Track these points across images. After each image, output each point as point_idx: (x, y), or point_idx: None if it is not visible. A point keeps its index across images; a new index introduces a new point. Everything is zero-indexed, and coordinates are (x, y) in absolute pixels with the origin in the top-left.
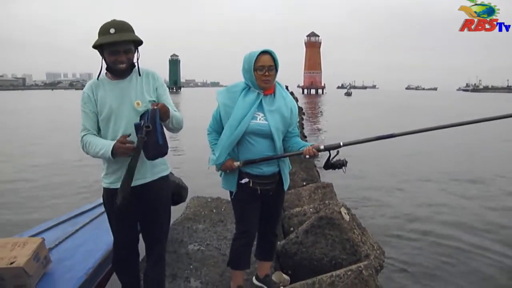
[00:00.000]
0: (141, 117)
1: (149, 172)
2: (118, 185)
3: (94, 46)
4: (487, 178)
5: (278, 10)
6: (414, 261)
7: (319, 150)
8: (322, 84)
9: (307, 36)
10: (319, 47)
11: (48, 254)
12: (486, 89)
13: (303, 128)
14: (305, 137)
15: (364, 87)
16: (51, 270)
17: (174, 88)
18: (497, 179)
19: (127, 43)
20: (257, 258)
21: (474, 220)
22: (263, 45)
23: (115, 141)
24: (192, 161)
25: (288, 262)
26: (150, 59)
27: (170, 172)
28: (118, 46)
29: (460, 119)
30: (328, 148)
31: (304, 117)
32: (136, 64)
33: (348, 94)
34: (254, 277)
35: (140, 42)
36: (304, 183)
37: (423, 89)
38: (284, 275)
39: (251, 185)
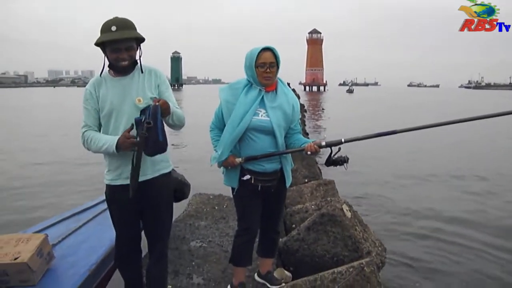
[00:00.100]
0: (142, 112)
1: (150, 169)
2: (120, 182)
3: (96, 44)
4: (490, 175)
5: (280, 7)
6: (416, 257)
7: (320, 147)
8: (324, 81)
9: (309, 33)
10: (321, 44)
11: (52, 250)
12: (488, 86)
13: (304, 125)
14: (307, 134)
15: (366, 84)
16: (54, 266)
17: (176, 85)
18: (500, 176)
19: (128, 40)
20: (259, 255)
21: (476, 217)
22: (265, 42)
23: (119, 136)
24: (194, 157)
25: (290, 259)
26: (152, 56)
27: (173, 169)
28: (119, 44)
29: (462, 115)
30: (329, 145)
31: (306, 114)
32: (138, 61)
33: (350, 91)
34: (256, 274)
35: (142, 40)
36: (306, 180)
37: (425, 86)
38: (286, 272)
39: (252, 182)
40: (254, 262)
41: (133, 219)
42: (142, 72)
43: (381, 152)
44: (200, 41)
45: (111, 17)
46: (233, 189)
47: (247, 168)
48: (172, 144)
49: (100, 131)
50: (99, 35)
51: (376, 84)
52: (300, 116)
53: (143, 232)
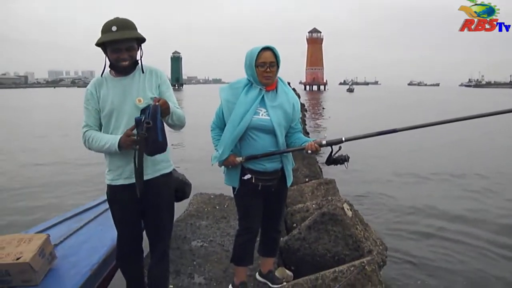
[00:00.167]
0: (142, 111)
1: (149, 169)
2: (121, 182)
3: (97, 44)
4: (490, 174)
5: (280, 7)
6: (417, 256)
7: (321, 146)
8: (324, 80)
9: (309, 32)
10: (321, 43)
11: (54, 250)
12: (488, 84)
13: (305, 124)
14: (307, 133)
15: (366, 83)
16: (56, 266)
17: (176, 85)
18: (500, 175)
19: (129, 40)
20: (260, 254)
21: (477, 215)
22: (265, 41)
23: (121, 135)
24: (195, 157)
25: (291, 258)
26: (152, 56)
27: (173, 169)
28: (120, 44)
29: (462, 114)
30: (330, 144)
31: (306, 113)
32: (139, 61)
33: (350, 90)
34: (257, 273)
35: (142, 40)
36: (307, 179)
37: (425, 84)
38: (287, 271)
39: (253, 181)
40: (256, 261)
41: (134, 219)
42: (143, 72)
43: (382, 151)
44: (200, 40)
45: (112, 18)
46: (234, 188)
47: (247, 167)
48: (173, 144)
49: (101, 131)
50: (99, 35)
51: (376, 83)
52: (300, 115)
53: (144, 232)
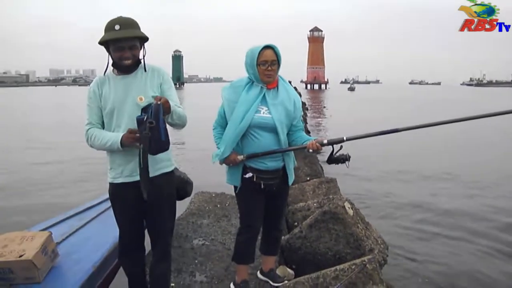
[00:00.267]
0: (143, 110)
1: (151, 167)
2: (122, 180)
3: (100, 43)
4: (493, 174)
5: (281, 5)
6: (418, 255)
7: (322, 145)
8: (326, 79)
9: (310, 31)
10: (322, 42)
11: (56, 248)
12: (490, 83)
13: (306, 123)
14: (309, 132)
15: (368, 82)
16: (59, 264)
17: (177, 84)
18: (502, 174)
19: (132, 39)
20: (262, 253)
21: (480, 214)
22: (266, 39)
23: (123, 133)
24: (196, 156)
25: (292, 256)
26: (153, 55)
27: (175, 168)
28: (123, 43)
29: (466, 114)
30: (331, 143)
31: (308, 112)
32: (142, 60)
33: (352, 89)
34: (258, 271)
35: (145, 39)
36: (308, 178)
37: (427, 83)
38: (289, 269)
39: (254, 179)
40: (257, 259)
41: (136, 217)
42: (145, 71)
43: (383, 150)
44: (202, 39)
45: (112, 16)
46: (235, 187)
47: (249, 166)
48: (174, 143)
49: (103, 128)
50: (100, 34)
51: (377, 82)
52: (302, 113)
53: (146, 230)
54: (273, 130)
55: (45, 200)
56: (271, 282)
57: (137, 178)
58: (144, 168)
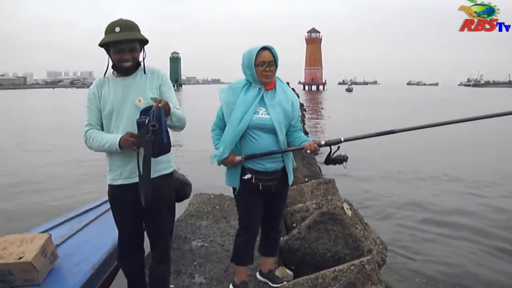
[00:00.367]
0: (142, 112)
1: (151, 169)
2: (120, 181)
3: (100, 45)
4: (491, 174)
5: (279, 6)
6: (417, 255)
7: (320, 146)
8: (323, 80)
9: (307, 32)
10: (320, 43)
11: (56, 250)
12: (487, 84)
13: (304, 124)
14: (307, 133)
15: (365, 83)
16: (58, 266)
17: (175, 86)
18: (499, 175)
19: (132, 41)
20: (261, 254)
21: (479, 215)
22: (263, 41)
23: (122, 134)
24: (195, 158)
25: (291, 257)
26: (151, 56)
27: (174, 169)
28: (123, 45)
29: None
30: (329, 144)
31: (306, 113)
32: (142, 62)
33: (349, 90)
34: (257, 273)
35: (145, 41)
36: (306, 179)
37: (424, 84)
38: (288, 270)
39: (253, 181)
40: (256, 261)
41: (135, 219)
42: (145, 73)
43: (381, 151)
44: (200, 40)
45: (110, 18)
46: (234, 188)
47: (248, 167)
48: (173, 145)
49: (102, 130)
50: (99, 34)
51: (375, 82)
52: (300, 114)
53: (145, 232)
54: (271, 131)
55: (44, 202)
56: (270, 283)
57: (136, 179)
58: (145, 173)
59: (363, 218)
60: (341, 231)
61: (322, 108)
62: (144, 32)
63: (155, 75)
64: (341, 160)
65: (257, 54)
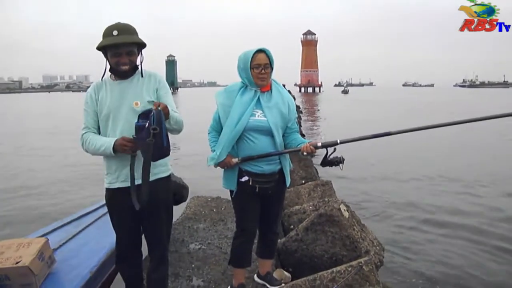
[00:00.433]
0: (140, 116)
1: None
2: (118, 185)
3: (98, 48)
4: (490, 175)
5: (274, 8)
6: (414, 256)
7: (316, 148)
8: (319, 82)
9: (303, 34)
10: (316, 45)
11: (53, 254)
12: (482, 84)
13: (300, 126)
14: (303, 135)
15: (361, 85)
16: (56, 270)
17: (171, 89)
18: (497, 177)
19: (129, 45)
20: (258, 256)
21: (475, 215)
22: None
23: (117, 138)
24: (192, 160)
25: (289, 259)
26: (146, 59)
27: (171, 172)
28: (120, 48)
29: (456, 117)
30: (325, 146)
31: (302, 115)
32: (139, 66)
33: (345, 91)
34: (255, 275)
35: (143, 45)
36: (303, 181)
37: (420, 85)
38: (285, 272)
39: (250, 183)
40: (254, 263)
41: (132, 222)
42: (142, 76)
43: (378, 152)
44: (195, 44)
45: (107, 19)
46: (231, 191)
47: (245, 169)
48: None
49: (99, 133)
50: (94, 39)
51: (371, 84)
52: (296, 115)
53: (143, 235)
54: (268, 133)
55: (41, 207)
56: (268, 285)
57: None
58: (145, 177)
59: (360, 220)
60: (338, 232)
61: (318, 110)
62: (140, 35)
63: (152, 78)
64: (338, 162)
65: (252, 57)
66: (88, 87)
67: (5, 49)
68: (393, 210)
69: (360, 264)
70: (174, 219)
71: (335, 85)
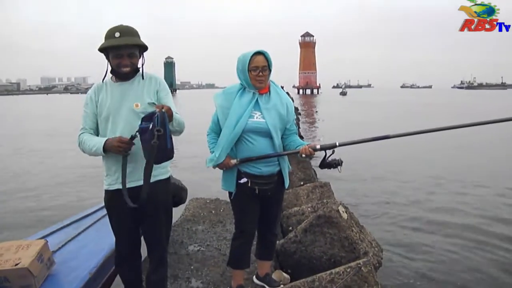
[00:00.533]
0: (144, 119)
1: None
2: (117, 186)
3: (100, 50)
4: (487, 175)
5: (273, 9)
6: (413, 257)
7: (315, 150)
8: (318, 84)
9: (301, 36)
10: (314, 47)
11: (52, 256)
12: (480, 86)
13: (298, 127)
14: (302, 137)
15: (360, 86)
16: (55, 271)
17: (170, 91)
18: (496, 178)
19: (131, 47)
20: (257, 257)
21: (474, 215)
22: (257, 45)
23: (107, 138)
24: (190, 162)
25: (288, 261)
26: (145, 61)
27: (170, 174)
28: (122, 50)
29: (456, 119)
30: (324, 148)
31: (300, 117)
32: (140, 68)
33: (343, 93)
34: (254, 276)
35: (145, 48)
36: (302, 183)
37: (418, 87)
38: (284, 274)
39: (249, 185)
40: (253, 264)
41: (131, 224)
42: (143, 78)
43: (376, 154)
44: (194, 45)
45: (108, 21)
46: (230, 192)
47: (244, 171)
48: None
49: (97, 135)
50: (93, 41)
51: (369, 86)
52: (295, 117)
53: (142, 237)
54: (267, 134)
55: (40, 209)
56: (267, 287)
57: (132, 184)
58: (146, 179)
59: (358, 221)
60: (337, 234)
61: (316, 111)
62: (140, 35)
63: (153, 80)
64: (336, 164)
65: (250, 59)
66: (87, 88)
67: (3, 50)
68: (391, 211)
69: (359, 265)
70: (173, 221)
71: (333, 87)
